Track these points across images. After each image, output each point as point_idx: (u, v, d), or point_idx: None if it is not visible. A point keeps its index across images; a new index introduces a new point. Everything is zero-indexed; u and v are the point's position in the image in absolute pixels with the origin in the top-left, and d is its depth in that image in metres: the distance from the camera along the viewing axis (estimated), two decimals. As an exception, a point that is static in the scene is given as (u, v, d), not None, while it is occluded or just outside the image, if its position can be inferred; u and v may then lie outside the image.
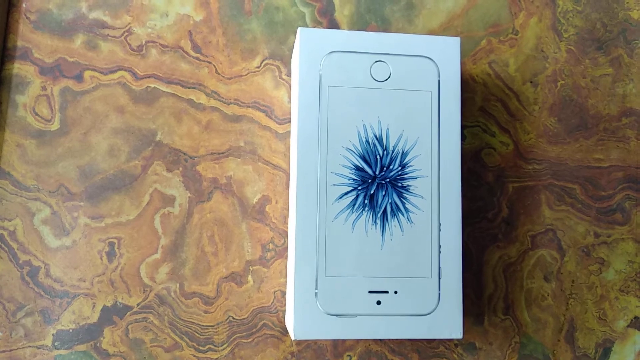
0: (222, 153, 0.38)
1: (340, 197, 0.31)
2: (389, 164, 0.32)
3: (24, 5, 0.37)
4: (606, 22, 0.41)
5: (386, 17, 0.40)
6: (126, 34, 0.38)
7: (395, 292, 0.31)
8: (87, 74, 0.37)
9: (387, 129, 0.32)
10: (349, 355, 0.37)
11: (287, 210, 0.37)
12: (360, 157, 0.32)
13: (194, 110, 0.38)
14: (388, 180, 0.32)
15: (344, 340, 0.37)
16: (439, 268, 0.32)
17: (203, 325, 0.36)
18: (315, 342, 0.37)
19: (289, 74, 0.39)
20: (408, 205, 0.32)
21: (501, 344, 0.38)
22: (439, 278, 0.32)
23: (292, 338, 0.31)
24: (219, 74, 0.38)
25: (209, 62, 0.38)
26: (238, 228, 0.37)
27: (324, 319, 0.31)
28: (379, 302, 0.31)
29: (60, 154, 0.37)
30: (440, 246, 0.32)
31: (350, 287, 0.31)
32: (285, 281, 0.37)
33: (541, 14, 0.41)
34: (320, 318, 0.31)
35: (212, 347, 0.36)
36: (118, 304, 0.36)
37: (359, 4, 0.40)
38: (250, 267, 0.37)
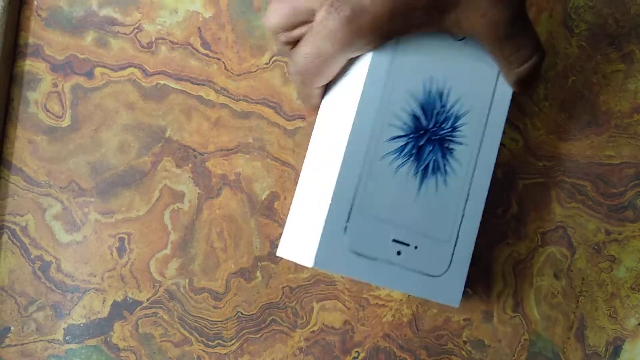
0: (231, 149, 0.38)
1: (392, 139, 0.31)
2: (443, 122, 0.31)
3: (35, 2, 0.38)
4: (618, 18, 0.41)
5: (395, 13, 0.40)
6: (136, 30, 0.38)
7: (416, 247, 0.31)
8: (98, 70, 0.38)
9: (450, 88, 0.31)
10: (357, 352, 0.37)
11: (296, 206, 0.38)
12: (419, 105, 0.31)
13: (204, 107, 0.38)
14: (438, 137, 0.31)
15: (352, 336, 0.37)
16: (457, 236, 0.32)
17: (212, 321, 0.37)
18: (323, 338, 0.37)
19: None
20: (448, 168, 0.32)
21: (510, 342, 0.38)
22: (455, 245, 0.32)
23: (310, 266, 0.30)
24: (228, 70, 0.38)
25: (218, 59, 0.38)
26: (247, 224, 0.37)
27: (345, 254, 0.30)
28: (399, 253, 0.31)
29: (71, 150, 0.37)
30: (463, 216, 0.32)
31: (377, 230, 0.30)
32: (294, 277, 0.37)
33: (552, 9, 0.40)
34: (341, 252, 0.30)
35: (221, 342, 0.37)
36: (128, 299, 0.36)
37: (368, 0, 0.39)
38: (259, 263, 0.37)
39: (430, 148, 0.31)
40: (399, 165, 0.31)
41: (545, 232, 0.39)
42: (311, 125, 0.38)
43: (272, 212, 0.37)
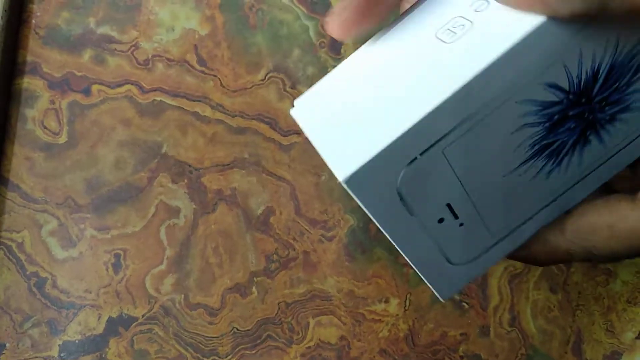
0: (227, 165, 0.38)
1: (547, 85, 0.20)
2: (611, 104, 0.22)
3: (33, 21, 0.38)
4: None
5: (389, 29, 0.40)
6: (133, 48, 0.39)
7: (460, 225, 0.22)
8: (95, 87, 0.38)
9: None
10: (353, 367, 0.37)
11: (291, 221, 0.38)
12: (609, 64, 0.21)
13: (199, 123, 0.38)
14: (592, 119, 0.22)
15: (348, 352, 0.37)
16: (506, 236, 0.23)
17: (207, 337, 0.37)
18: (319, 353, 0.37)
19: (293, 87, 0.39)
20: (565, 161, 0.22)
21: (507, 356, 0.38)
22: (495, 243, 0.23)
23: (340, 179, 0.20)
24: (224, 87, 0.39)
25: (214, 76, 0.39)
26: (242, 239, 0.37)
27: (386, 188, 0.21)
28: (441, 220, 0.22)
29: (67, 166, 0.37)
30: (529, 220, 0.23)
31: (441, 182, 0.21)
32: (290, 292, 0.37)
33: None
34: (384, 183, 0.21)
35: (216, 358, 0.36)
36: (123, 315, 0.36)
37: (362, 17, 0.40)
38: (255, 279, 0.37)
39: (572, 126, 0.22)
40: (525, 124, 0.21)
41: (540, 246, 0.39)
42: (307, 141, 0.38)
43: (267, 227, 0.38)
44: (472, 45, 0.20)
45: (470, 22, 0.21)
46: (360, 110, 0.22)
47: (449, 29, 0.21)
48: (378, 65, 0.23)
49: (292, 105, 0.24)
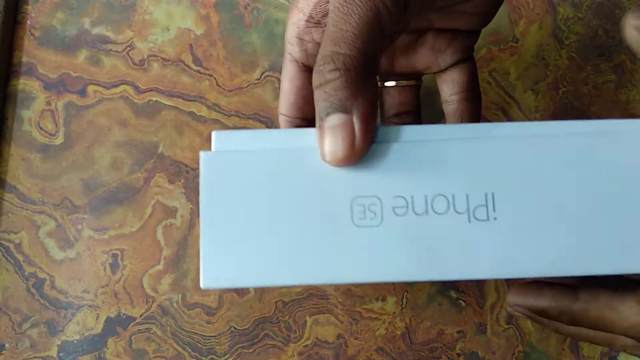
0: (223, 165, 0.38)
1: None
2: None
3: (28, 22, 0.38)
4: (608, 29, 0.41)
5: (385, 27, 0.40)
6: (128, 48, 0.39)
7: None
8: (91, 88, 0.38)
9: None
10: (350, 365, 0.37)
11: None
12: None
13: (195, 123, 0.38)
14: None
15: (345, 350, 0.37)
16: None
17: (205, 336, 0.37)
18: (316, 352, 0.37)
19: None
20: None
21: (504, 353, 0.38)
22: None
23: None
24: (219, 86, 0.39)
25: (210, 75, 0.39)
26: (239, 239, 0.37)
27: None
28: None
29: (64, 167, 0.37)
30: None
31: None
32: (287, 291, 0.37)
33: (541, 21, 0.41)
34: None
35: (214, 357, 0.37)
36: (121, 315, 0.37)
37: (358, 15, 0.40)
38: (252, 278, 0.37)
39: None
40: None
41: (537, 244, 0.39)
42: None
43: (264, 227, 0.38)
44: None
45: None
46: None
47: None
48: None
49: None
